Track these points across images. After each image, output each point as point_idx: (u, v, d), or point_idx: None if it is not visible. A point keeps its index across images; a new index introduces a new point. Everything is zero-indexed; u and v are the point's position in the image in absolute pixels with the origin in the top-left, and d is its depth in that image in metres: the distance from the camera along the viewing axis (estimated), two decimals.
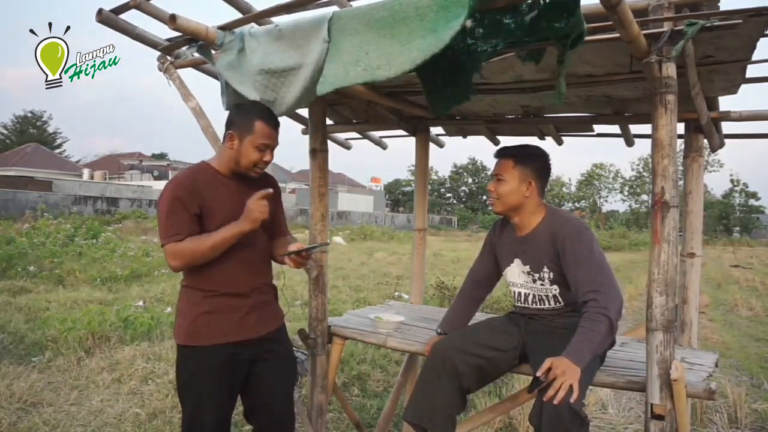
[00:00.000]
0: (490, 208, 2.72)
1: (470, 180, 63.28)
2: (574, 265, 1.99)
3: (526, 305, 2.22)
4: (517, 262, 2.21)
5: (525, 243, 2.18)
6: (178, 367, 2.00)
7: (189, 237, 1.87)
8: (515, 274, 2.22)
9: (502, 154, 2.21)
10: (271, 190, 1.94)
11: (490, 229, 2.42)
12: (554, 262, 2.08)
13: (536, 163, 2.17)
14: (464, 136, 3.45)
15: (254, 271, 2.01)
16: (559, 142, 3.27)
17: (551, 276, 2.10)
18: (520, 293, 2.23)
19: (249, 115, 1.94)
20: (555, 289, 2.12)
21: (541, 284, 2.14)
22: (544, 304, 2.16)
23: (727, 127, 2.77)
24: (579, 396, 1.73)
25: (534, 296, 2.18)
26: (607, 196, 54.79)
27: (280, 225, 2.16)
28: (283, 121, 2.26)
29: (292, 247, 2.00)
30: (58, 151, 45.40)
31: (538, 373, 1.80)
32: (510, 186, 2.14)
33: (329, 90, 1.74)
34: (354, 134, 3.46)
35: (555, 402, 1.70)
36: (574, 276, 1.98)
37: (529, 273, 2.17)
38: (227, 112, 2.04)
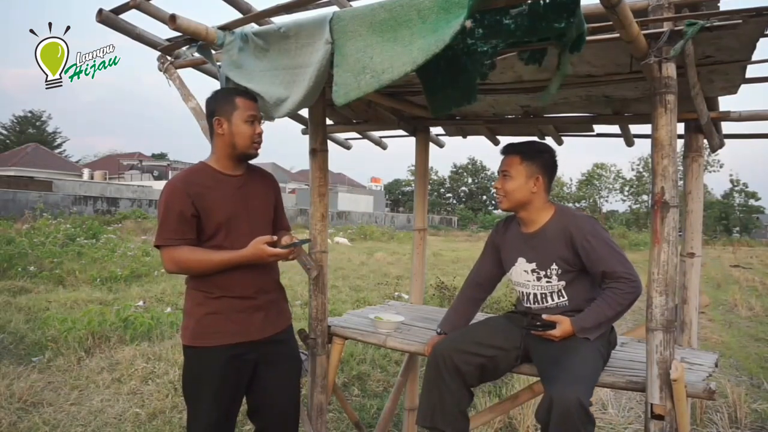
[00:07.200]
0: (494, 208, 2.74)
1: (470, 180, 63.21)
2: (602, 258, 2.01)
3: (529, 305, 2.21)
4: (521, 260, 2.20)
5: (533, 240, 2.16)
6: (184, 367, 2.01)
7: (188, 244, 1.90)
8: (519, 273, 2.21)
9: (509, 150, 2.20)
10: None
11: (493, 230, 2.41)
12: (564, 259, 2.08)
13: (543, 158, 2.17)
14: (464, 136, 3.45)
15: (260, 271, 2.01)
16: (559, 142, 3.26)
17: (559, 272, 2.10)
18: (523, 293, 2.23)
19: (227, 96, 1.99)
20: (561, 285, 2.11)
21: (547, 281, 2.13)
22: (547, 302, 2.15)
23: (727, 127, 2.77)
24: (585, 391, 1.80)
25: (536, 295, 2.17)
26: (607, 196, 54.71)
27: (280, 219, 2.20)
28: (283, 121, 2.26)
29: (282, 241, 2.02)
30: (58, 151, 45.40)
31: (545, 316, 2.07)
32: (517, 182, 2.14)
33: (345, 102, 1.74)
34: (354, 134, 3.46)
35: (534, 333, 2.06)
36: (609, 267, 2.00)
37: (534, 271, 2.15)
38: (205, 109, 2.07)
